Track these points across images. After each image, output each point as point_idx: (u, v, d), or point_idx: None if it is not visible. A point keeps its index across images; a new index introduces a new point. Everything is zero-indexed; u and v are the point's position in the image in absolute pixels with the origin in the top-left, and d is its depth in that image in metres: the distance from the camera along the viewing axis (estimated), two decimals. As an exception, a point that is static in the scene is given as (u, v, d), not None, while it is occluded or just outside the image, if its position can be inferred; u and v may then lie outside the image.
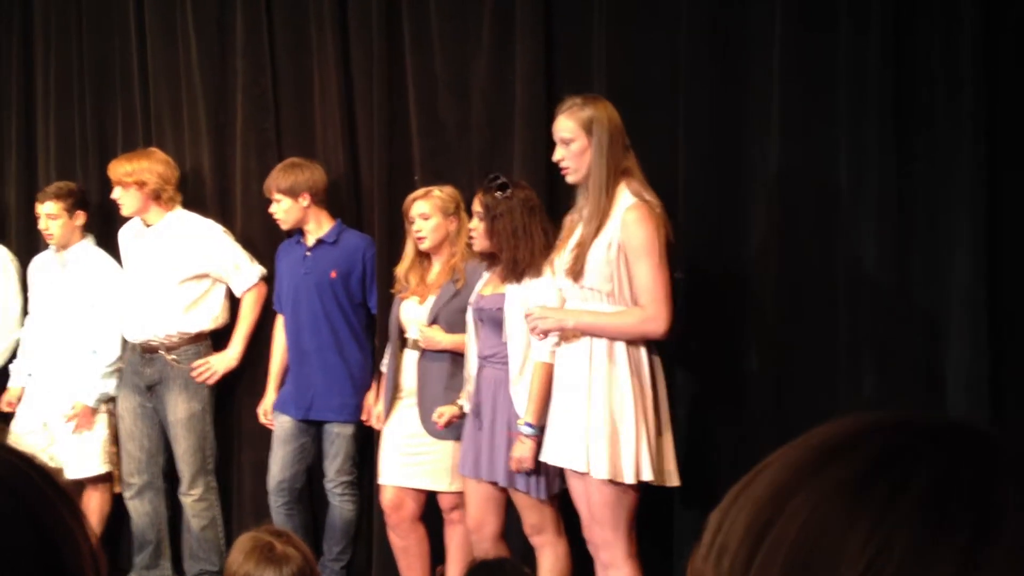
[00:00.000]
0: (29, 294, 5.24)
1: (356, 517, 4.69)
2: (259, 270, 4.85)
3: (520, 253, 3.75)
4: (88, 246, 5.09)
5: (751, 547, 0.66)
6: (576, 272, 3.43)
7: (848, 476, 0.65)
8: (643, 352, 3.45)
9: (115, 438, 4.98)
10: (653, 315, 3.38)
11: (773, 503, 0.67)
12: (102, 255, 5.08)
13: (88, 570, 0.80)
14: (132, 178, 4.77)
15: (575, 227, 3.51)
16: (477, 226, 3.86)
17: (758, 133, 3.84)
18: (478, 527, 3.98)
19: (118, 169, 4.81)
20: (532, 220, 3.78)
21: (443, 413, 4.04)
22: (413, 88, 4.50)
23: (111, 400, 4.98)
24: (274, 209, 4.61)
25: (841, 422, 0.70)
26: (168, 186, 4.84)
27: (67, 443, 4.95)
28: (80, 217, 5.04)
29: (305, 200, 4.57)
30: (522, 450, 3.66)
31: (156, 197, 4.82)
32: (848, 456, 0.66)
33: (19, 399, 5.14)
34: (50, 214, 5.00)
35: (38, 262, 5.19)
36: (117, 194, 4.82)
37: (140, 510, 4.93)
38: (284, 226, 4.65)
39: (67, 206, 5.00)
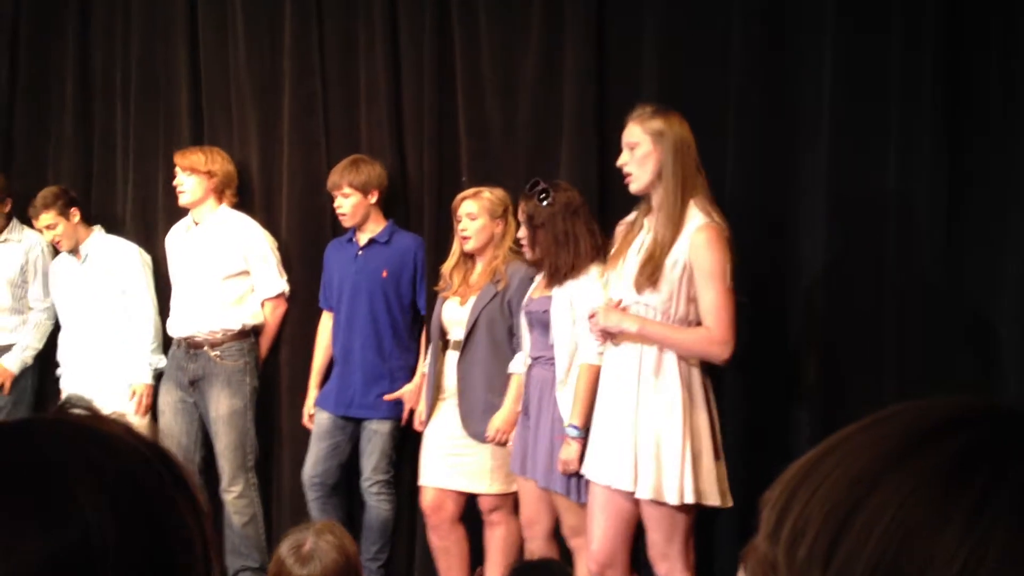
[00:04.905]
0: (52, 296, 5.21)
1: (393, 516, 4.68)
2: (284, 285, 4.87)
3: (562, 260, 3.76)
4: (99, 236, 5.11)
5: (833, 534, 0.63)
6: (650, 283, 3.33)
7: (939, 467, 0.62)
8: (696, 370, 3.39)
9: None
10: (720, 339, 3.31)
11: (857, 489, 0.64)
12: (117, 241, 5.11)
13: (198, 573, 0.79)
14: (204, 167, 4.80)
15: (632, 238, 3.45)
16: (524, 235, 3.89)
17: (809, 145, 3.82)
18: (530, 524, 3.99)
19: (191, 156, 4.82)
20: (575, 223, 3.77)
21: (499, 429, 4.02)
22: (461, 89, 4.51)
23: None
24: (340, 203, 4.60)
25: (923, 406, 0.67)
26: (232, 183, 4.89)
27: None
28: (76, 214, 5.05)
29: (374, 197, 4.58)
30: (569, 453, 3.65)
31: (219, 192, 4.86)
32: (938, 445, 0.64)
33: None
34: (48, 225, 5.02)
35: (57, 266, 5.19)
36: (180, 180, 4.82)
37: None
38: (347, 222, 4.64)
39: (59, 210, 5.00)
